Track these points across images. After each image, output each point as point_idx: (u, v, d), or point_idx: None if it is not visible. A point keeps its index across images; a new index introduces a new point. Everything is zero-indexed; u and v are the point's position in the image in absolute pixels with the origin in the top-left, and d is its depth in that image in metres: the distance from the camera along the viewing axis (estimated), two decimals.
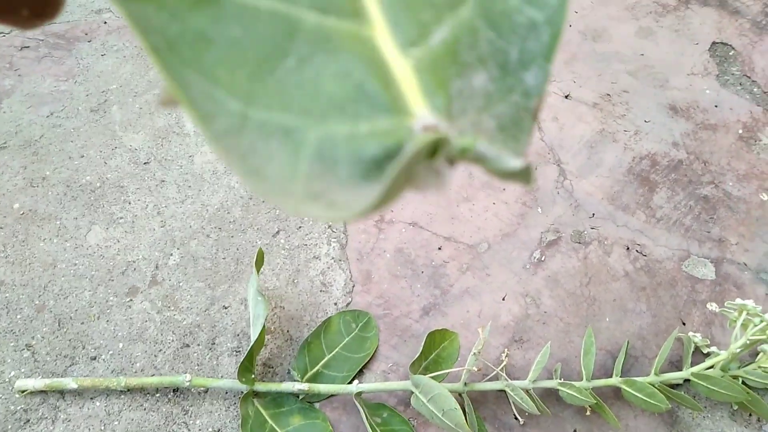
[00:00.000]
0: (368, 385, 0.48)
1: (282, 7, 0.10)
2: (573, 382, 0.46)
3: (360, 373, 0.50)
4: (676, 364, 0.51)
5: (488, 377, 0.48)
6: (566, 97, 0.75)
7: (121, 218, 0.60)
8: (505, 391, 0.47)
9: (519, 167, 0.10)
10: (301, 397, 0.48)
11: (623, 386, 0.46)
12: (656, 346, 0.52)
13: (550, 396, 0.49)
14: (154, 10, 0.09)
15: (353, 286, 0.56)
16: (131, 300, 0.54)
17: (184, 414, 0.48)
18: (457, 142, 0.10)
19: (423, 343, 0.47)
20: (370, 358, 0.51)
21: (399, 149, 0.10)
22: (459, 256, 0.58)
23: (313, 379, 0.49)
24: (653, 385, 0.45)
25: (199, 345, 0.52)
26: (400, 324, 0.54)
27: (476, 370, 0.45)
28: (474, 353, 0.45)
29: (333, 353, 0.50)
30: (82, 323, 0.53)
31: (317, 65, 0.10)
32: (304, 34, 0.10)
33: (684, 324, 0.53)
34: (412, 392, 0.45)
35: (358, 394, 0.47)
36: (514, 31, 0.10)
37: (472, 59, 0.10)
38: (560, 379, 0.47)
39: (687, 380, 0.47)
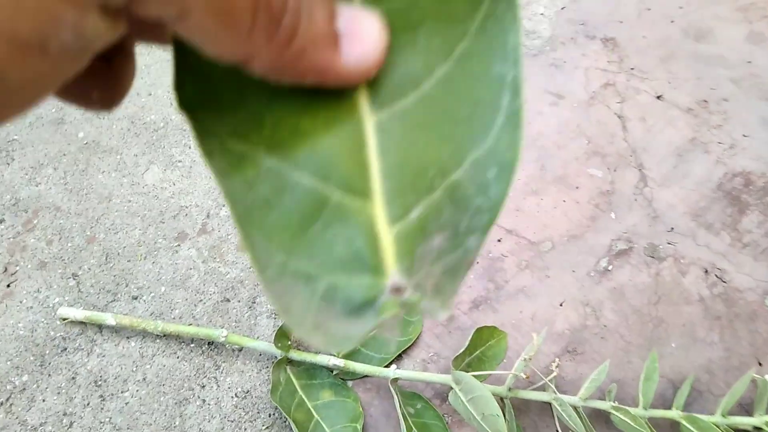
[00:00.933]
0: (406, 372, 0.45)
1: (320, 186, 0.14)
2: (628, 408, 0.42)
3: (398, 358, 0.48)
4: (745, 408, 0.46)
5: (535, 386, 0.45)
6: (658, 97, 0.69)
7: (179, 161, 0.59)
8: (550, 403, 0.43)
9: (445, 318, 0.10)
10: (334, 372, 0.46)
11: (683, 422, 0.42)
12: (725, 384, 0.47)
13: (599, 418, 0.45)
14: (240, 184, 0.14)
15: None
16: (179, 245, 0.54)
17: (216, 369, 0.47)
18: (410, 299, 0.14)
19: (469, 338, 0.44)
20: (411, 344, 0.49)
21: (375, 300, 0.14)
22: (519, 251, 0.54)
23: (350, 356, 0.47)
24: (718, 426, 0.41)
25: (239, 301, 0.51)
26: None
27: (524, 377, 0.42)
28: (525, 359, 0.42)
29: (373, 333, 0.48)
30: (129, 261, 0.52)
31: (334, 230, 0.14)
32: (330, 206, 0.14)
33: (761, 364, 0.48)
34: (452, 388, 0.42)
35: (395, 380, 0.45)
36: (467, 210, 0.14)
37: (435, 228, 0.14)
38: (614, 401, 0.43)
39: (758, 428, 0.42)
